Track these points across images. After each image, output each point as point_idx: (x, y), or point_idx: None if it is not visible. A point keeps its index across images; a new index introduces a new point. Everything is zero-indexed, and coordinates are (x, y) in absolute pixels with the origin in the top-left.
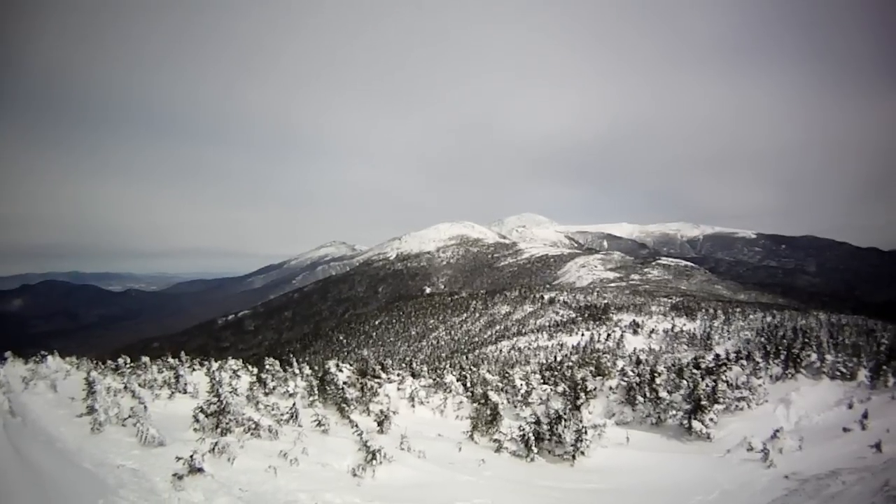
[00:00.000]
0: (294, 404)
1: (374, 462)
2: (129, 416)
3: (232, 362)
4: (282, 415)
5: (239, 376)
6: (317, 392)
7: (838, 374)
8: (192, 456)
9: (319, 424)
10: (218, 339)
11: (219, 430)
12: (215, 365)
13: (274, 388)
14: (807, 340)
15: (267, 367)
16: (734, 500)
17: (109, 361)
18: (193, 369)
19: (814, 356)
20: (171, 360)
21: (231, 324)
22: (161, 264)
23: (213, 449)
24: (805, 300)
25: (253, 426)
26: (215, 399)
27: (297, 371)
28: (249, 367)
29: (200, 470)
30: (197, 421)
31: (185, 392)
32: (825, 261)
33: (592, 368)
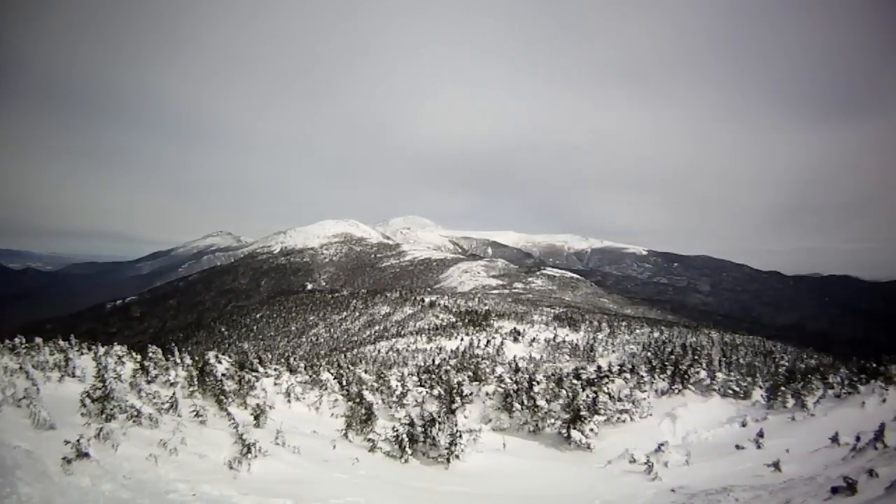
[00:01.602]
0: (174, 394)
1: (249, 455)
2: (24, 398)
3: (118, 348)
4: (162, 404)
5: (123, 363)
6: (196, 383)
7: (730, 392)
8: (78, 440)
9: (198, 415)
10: (106, 324)
11: (104, 416)
12: (102, 350)
13: (156, 376)
14: (696, 357)
15: (150, 354)
16: None
17: (7, 341)
18: (82, 353)
19: (703, 373)
20: (61, 342)
21: (119, 309)
22: (57, 244)
23: (99, 435)
24: (697, 318)
25: (135, 414)
26: (100, 385)
27: (178, 360)
28: (134, 353)
29: (87, 455)
30: (84, 406)
31: (74, 376)
32: (720, 281)
33: (470, 373)
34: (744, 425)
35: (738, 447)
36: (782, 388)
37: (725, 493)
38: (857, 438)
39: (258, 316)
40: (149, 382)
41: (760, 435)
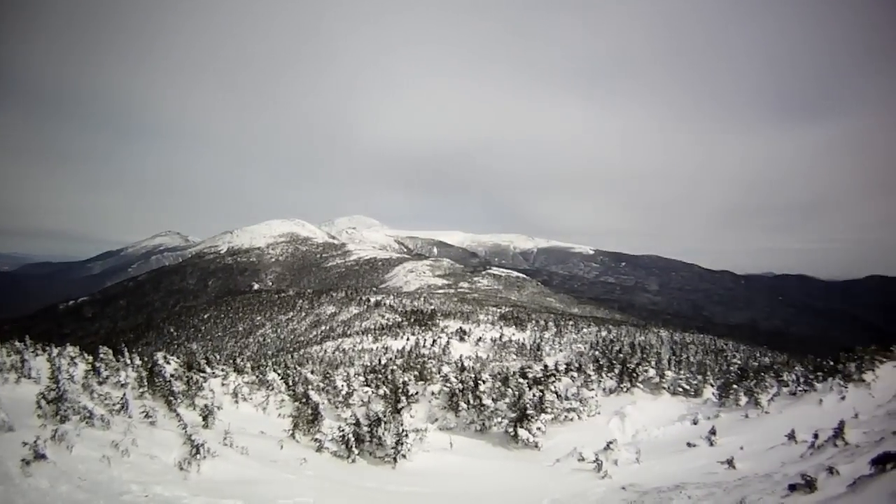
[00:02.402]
0: (125, 395)
1: (198, 456)
2: None
3: (70, 349)
4: (114, 405)
5: (76, 364)
6: (146, 383)
7: (681, 390)
8: (35, 442)
9: (147, 416)
10: (60, 325)
11: (58, 417)
12: (55, 351)
13: (107, 377)
14: (644, 356)
15: (101, 355)
16: None
17: None
18: (37, 354)
19: (652, 371)
20: (17, 343)
21: (72, 310)
22: (13, 244)
23: (54, 436)
24: (645, 317)
25: (88, 415)
26: (55, 386)
27: (128, 361)
28: (86, 354)
29: (44, 456)
30: (40, 407)
31: (30, 377)
32: (669, 280)
33: (416, 373)
34: (695, 423)
35: (689, 445)
36: (734, 386)
37: (678, 490)
38: (816, 436)
39: (206, 316)
40: (100, 383)
41: (713, 432)
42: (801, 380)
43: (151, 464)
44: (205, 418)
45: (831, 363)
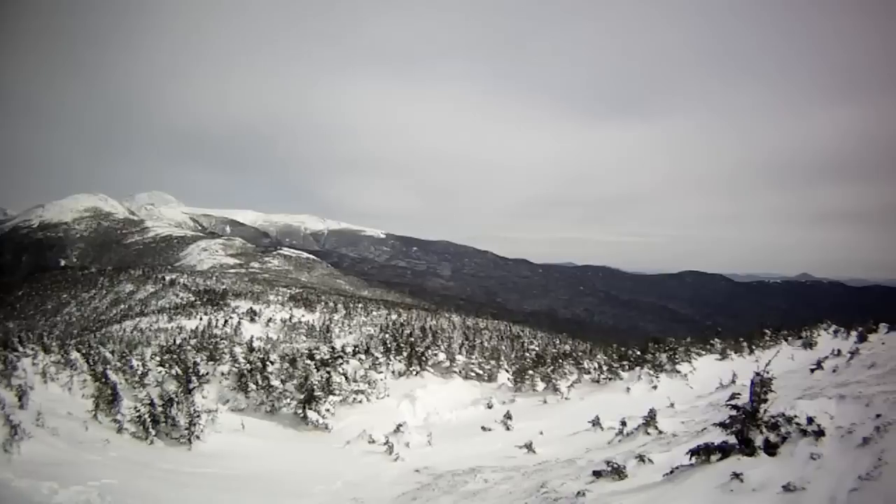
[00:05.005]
0: None
1: (16, 437)
2: None
3: None
4: None
5: None
6: None
7: (473, 374)
8: None
9: None
10: None
11: None
12: None
13: None
14: (435, 340)
15: None
16: (360, 491)
17: None
18: None
19: (442, 356)
20: None
21: None
22: None
23: None
24: (437, 302)
25: None
26: None
27: None
28: None
29: None
30: None
31: None
32: (462, 266)
33: (207, 353)
34: (490, 407)
35: (484, 429)
36: (531, 372)
37: (473, 473)
38: (623, 423)
39: (20, 294)
40: None
41: (508, 417)
42: (605, 368)
43: None
44: (20, 398)
45: (638, 353)
